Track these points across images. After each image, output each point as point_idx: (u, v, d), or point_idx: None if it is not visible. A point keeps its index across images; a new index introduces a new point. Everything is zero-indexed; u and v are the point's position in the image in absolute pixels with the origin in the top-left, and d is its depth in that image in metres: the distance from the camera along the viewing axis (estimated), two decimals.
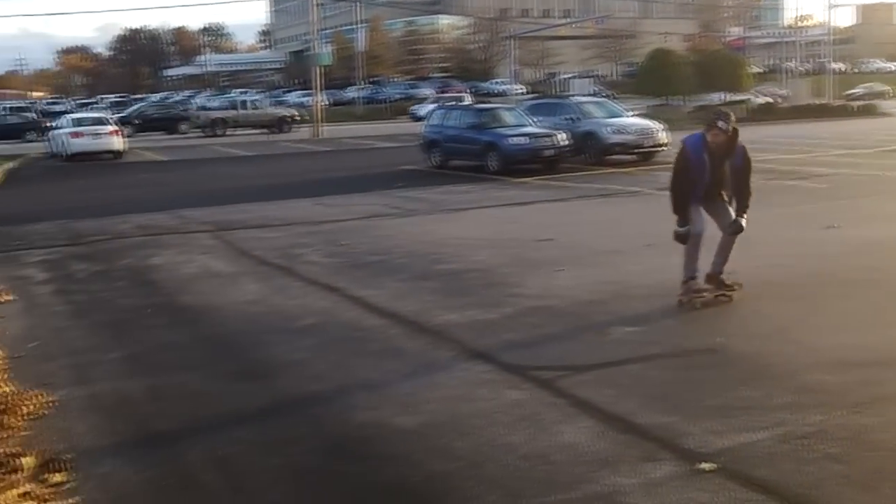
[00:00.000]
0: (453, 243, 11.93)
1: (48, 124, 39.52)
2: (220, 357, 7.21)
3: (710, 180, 7.90)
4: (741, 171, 7.96)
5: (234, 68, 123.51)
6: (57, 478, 4.81)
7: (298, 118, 46.23)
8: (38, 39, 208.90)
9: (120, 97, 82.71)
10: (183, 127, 45.65)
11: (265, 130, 43.62)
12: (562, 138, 21.72)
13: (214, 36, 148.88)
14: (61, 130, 32.32)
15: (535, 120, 23.28)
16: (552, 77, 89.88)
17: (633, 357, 6.65)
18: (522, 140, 21.49)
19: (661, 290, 8.66)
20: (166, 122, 45.77)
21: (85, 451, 5.18)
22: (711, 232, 8.19)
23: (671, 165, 8.29)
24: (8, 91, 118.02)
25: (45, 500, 4.55)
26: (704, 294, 8.03)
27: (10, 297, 9.54)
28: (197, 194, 19.60)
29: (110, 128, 32.15)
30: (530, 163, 21.39)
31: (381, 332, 7.71)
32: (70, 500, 4.55)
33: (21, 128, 44.50)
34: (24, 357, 7.22)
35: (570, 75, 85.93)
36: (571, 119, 23.66)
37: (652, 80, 50.16)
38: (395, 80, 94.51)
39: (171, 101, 70.23)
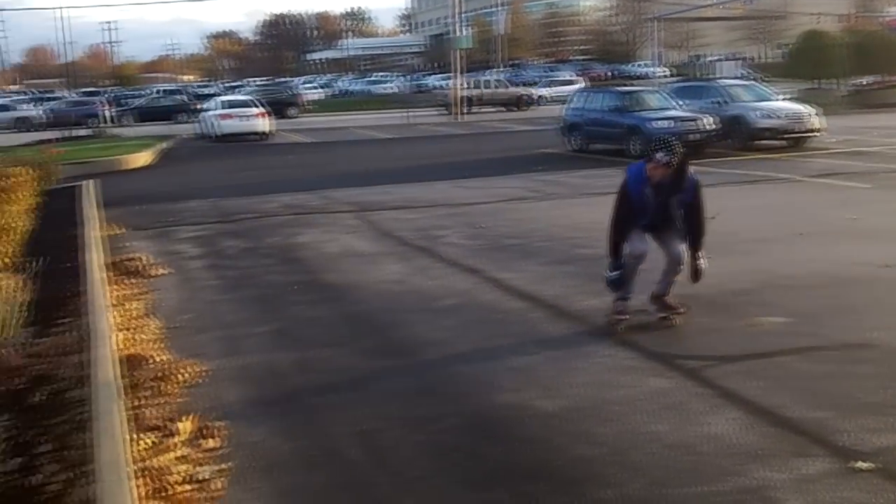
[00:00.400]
0: (593, 228, 11.71)
1: (198, 106, 41.10)
2: (364, 334, 7.35)
3: (656, 215, 7.02)
4: (692, 208, 7.05)
5: (374, 52, 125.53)
6: (210, 443, 5.01)
7: (536, 97, 48.92)
8: (189, 25, 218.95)
9: (266, 80, 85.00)
10: (292, 111, 46.47)
11: (502, 108, 45.58)
12: (708, 122, 21.10)
13: (356, 20, 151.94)
14: (211, 112, 33.61)
15: (680, 103, 22.69)
16: (697, 59, 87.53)
17: (783, 349, 6.43)
18: (666, 123, 20.93)
19: (814, 280, 8.37)
20: (277, 107, 45.48)
21: (236, 419, 5.38)
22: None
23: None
24: (160, 74, 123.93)
25: (200, 465, 4.75)
26: (628, 317, 7.09)
27: (166, 271, 10.00)
28: (339, 175, 20.01)
29: (257, 110, 33.21)
30: None
31: (522, 314, 7.70)
32: (223, 466, 4.73)
33: (172, 109, 46.43)
34: (180, 328, 7.55)
35: (716, 57, 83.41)
36: (718, 103, 22.93)
37: (804, 62, 48.26)
38: (535, 62, 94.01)
39: (303, 84, 71.51)
